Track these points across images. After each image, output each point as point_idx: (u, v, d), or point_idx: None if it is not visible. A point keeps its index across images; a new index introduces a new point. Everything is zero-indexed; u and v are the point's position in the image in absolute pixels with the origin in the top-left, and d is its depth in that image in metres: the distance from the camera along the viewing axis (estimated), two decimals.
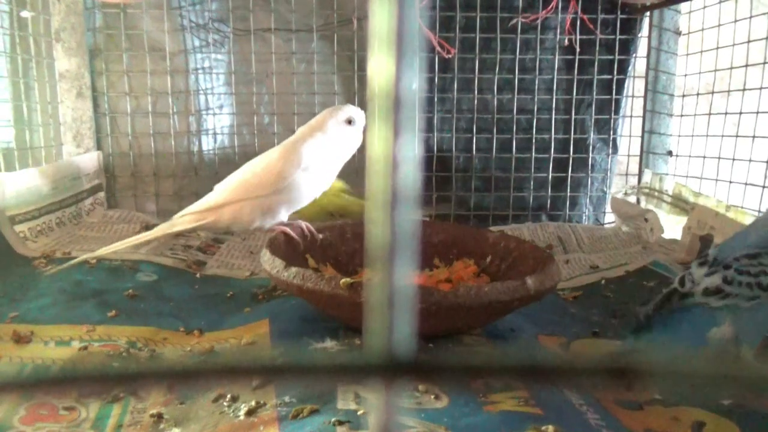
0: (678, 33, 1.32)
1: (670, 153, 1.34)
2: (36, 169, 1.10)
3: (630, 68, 1.32)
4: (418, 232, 0.16)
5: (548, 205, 1.36)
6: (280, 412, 0.51)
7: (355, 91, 1.31)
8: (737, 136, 1.09)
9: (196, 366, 0.15)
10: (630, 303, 0.84)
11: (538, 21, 1.26)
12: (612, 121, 1.34)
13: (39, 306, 0.76)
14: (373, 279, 0.15)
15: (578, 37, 1.27)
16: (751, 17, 1.07)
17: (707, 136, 1.19)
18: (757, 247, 0.59)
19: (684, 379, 0.14)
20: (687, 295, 0.60)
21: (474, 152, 1.33)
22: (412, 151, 0.15)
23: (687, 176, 1.23)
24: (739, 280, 0.58)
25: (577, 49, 1.28)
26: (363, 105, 1.29)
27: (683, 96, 1.31)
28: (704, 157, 1.18)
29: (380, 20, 0.15)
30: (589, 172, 1.35)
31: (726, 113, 1.13)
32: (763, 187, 1.01)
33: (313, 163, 0.83)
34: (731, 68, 1.13)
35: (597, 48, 1.29)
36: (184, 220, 0.86)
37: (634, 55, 1.31)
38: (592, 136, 1.34)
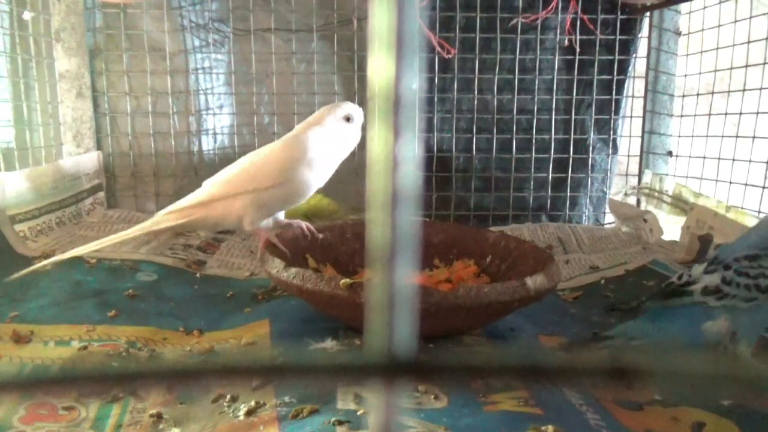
0: (678, 33, 1.32)
1: (670, 153, 1.34)
2: (36, 168, 1.10)
3: (630, 68, 1.32)
4: (418, 232, 0.16)
5: (548, 206, 1.36)
6: (279, 412, 0.51)
7: (355, 91, 1.31)
8: (737, 137, 1.09)
9: (196, 366, 0.15)
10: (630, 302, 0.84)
11: (538, 21, 1.26)
12: (612, 121, 1.34)
13: (39, 306, 0.76)
14: (374, 279, 0.15)
15: (578, 37, 1.28)
16: (751, 17, 1.07)
17: (707, 136, 1.19)
18: (757, 249, 0.59)
19: (684, 379, 0.14)
20: (684, 289, 0.61)
21: (474, 152, 1.33)
22: (412, 151, 0.15)
23: (687, 177, 1.23)
24: (737, 281, 0.58)
25: (577, 50, 1.28)
26: (363, 105, 1.29)
27: (683, 96, 1.31)
28: (704, 157, 1.18)
29: (380, 20, 0.15)
30: (589, 172, 1.35)
31: (726, 113, 1.13)
32: (763, 187, 1.01)
33: (315, 157, 0.81)
34: (731, 68, 1.13)
35: (597, 48, 1.29)
36: (168, 217, 0.81)
37: (634, 55, 1.31)
38: (592, 137, 1.34)
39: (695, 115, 1.24)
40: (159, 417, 0.52)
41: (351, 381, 0.15)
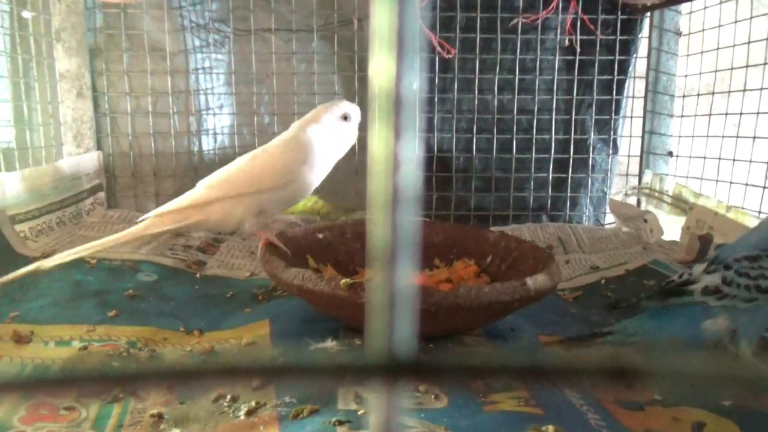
0: (678, 33, 1.32)
1: (670, 153, 1.34)
2: (36, 168, 1.10)
3: (630, 69, 1.32)
4: (418, 232, 0.16)
5: (548, 206, 1.36)
6: (280, 412, 0.51)
7: (356, 91, 1.31)
8: (738, 137, 1.09)
9: (196, 366, 0.15)
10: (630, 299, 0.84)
11: (539, 21, 1.26)
12: (612, 121, 1.34)
13: (39, 306, 0.76)
14: (375, 279, 0.15)
15: (579, 37, 1.27)
16: (751, 18, 1.07)
17: (708, 136, 1.19)
18: (758, 249, 0.60)
19: (684, 379, 0.14)
20: (683, 289, 0.61)
21: (474, 152, 1.32)
22: (412, 151, 0.15)
23: (687, 177, 1.23)
24: (738, 281, 0.58)
25: (578, 50, 1.28)
26: (363, 105, 1.29)
27: (684, 96, 1.31)
28: (705, 157, 1.18)
29: (381, 20, 0.15)
30: (590, 172, 1.35)
31: (726, 114, 1.13)
32: (764, 187, 1.01)
33: (316, 157, 0.80)
34: (732, 69, 1.13)
35: (597, 48, 1.29)
36: (162, 220, 0.79)
37: (634, 55, 1.31)
38: (593, 137, 1.34)
39: (696, 116, 1.24)
40: (159, 417, 0.52)
41: (352, 381, 0.15)
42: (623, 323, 0.65)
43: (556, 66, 1.30)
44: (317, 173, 0.81)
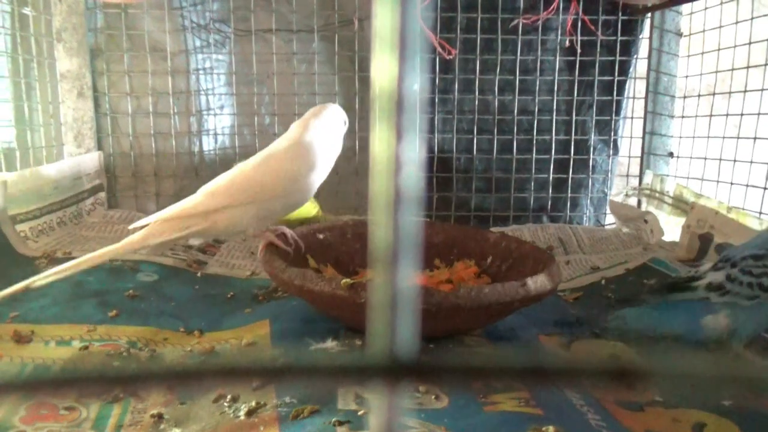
0: (679, 34, 1.32)
1: (671, 154, 1.34)
2: (37, 169, 1.10)
3: (631, 69, 1.32)
4: (419, 232, 0.16)
5: (549, 207, 1.36)
6: (280, 412, 0.51)
7: (356, 91, 1.31)
8: (738, 138, 1.09)
9: (197, 366, 0.15)
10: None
11: (540, 22, 1.26)
12: (613, 122, 1.34)
13: (40, 306, 0.76)
14: (376, 280, 0.15)
15: (579, 38, 1.27)
16: (752, 18, 1.07)
17: (708, 137, 1.18)
18: (764, 248, 0.60)
19: (684, 380, 0.14)
20: (687, 284, 0.61)
21: (475, 153, 1.32)
22: (414, 152, 0.15)
23: (688, 177, 1.23)
24: (741, 279, 0.59)
25: (578, 50, 1.28)
26: (364, 105, 1.30)
27: (684, 97, 1.31)
28: (705, 158, 1.18)
29: (383, 21, 0.15)
30: (590, 173, 1.35)
31: (727, 115, 1.13)
32: (765, 188, 1.01)
33: (319, 161, 0.80)
34: (732, 70, 1.13)
35: (598, 49, 1.29)
36: (164, 228, 0.77)
37: (635, 56, 1.31)
38: (593, 138, 1.34)
39: (696, 116, 1.24)
40: (160, 417, 0.52)
41: (352, 381, 0.15)
42: (622, 311, 0.66)
43: (557, 67, 1.30)
44: (320, 177, 0.82)
